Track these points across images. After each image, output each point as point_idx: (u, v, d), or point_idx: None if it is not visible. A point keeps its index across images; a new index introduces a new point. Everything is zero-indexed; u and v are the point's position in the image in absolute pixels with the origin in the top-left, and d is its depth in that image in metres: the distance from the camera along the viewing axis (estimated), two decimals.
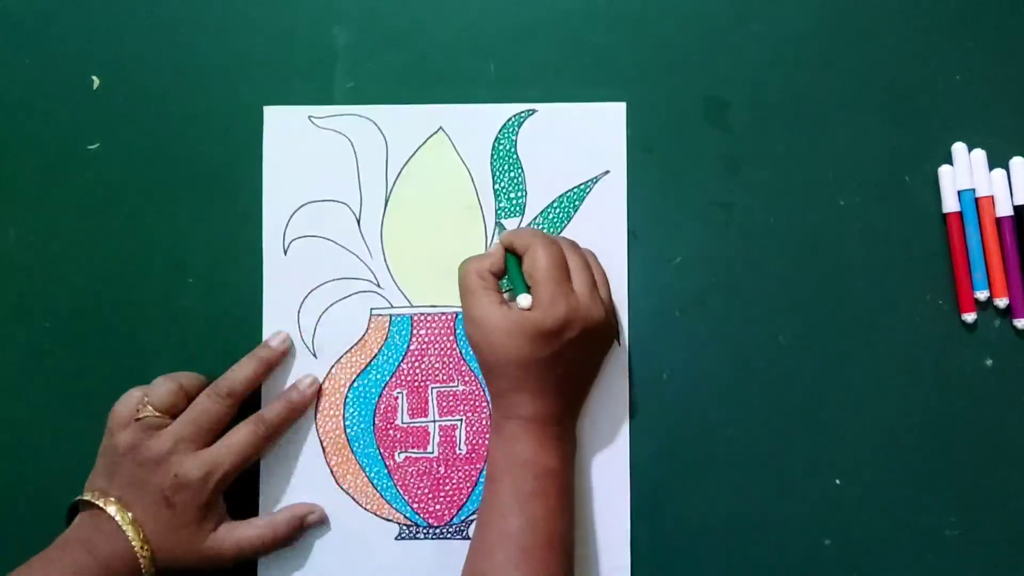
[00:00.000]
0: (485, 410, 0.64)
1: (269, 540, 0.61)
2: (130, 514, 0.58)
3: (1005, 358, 0.64)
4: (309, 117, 0.65)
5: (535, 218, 0.65)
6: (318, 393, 0.64)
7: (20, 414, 0.65)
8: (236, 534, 0.60)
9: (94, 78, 0.66)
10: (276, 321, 0.65)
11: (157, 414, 0.60)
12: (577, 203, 0.65)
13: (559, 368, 0.59)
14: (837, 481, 0.63)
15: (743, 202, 0.65)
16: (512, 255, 0.61)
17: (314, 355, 0.65)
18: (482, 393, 0.64)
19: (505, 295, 0.61)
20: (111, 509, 0.58)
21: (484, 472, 0.62)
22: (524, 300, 0.58)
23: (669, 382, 0.64)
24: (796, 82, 0.65)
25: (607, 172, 0.65)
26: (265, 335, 0.64)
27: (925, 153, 0.64)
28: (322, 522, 0.63)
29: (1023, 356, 0.64)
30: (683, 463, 0.63)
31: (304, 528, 0.63)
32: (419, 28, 0.66)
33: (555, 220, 0.65)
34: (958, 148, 0.64)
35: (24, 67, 0.66)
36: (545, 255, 0.59)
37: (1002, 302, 0.63)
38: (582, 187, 0.65)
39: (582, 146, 0.65)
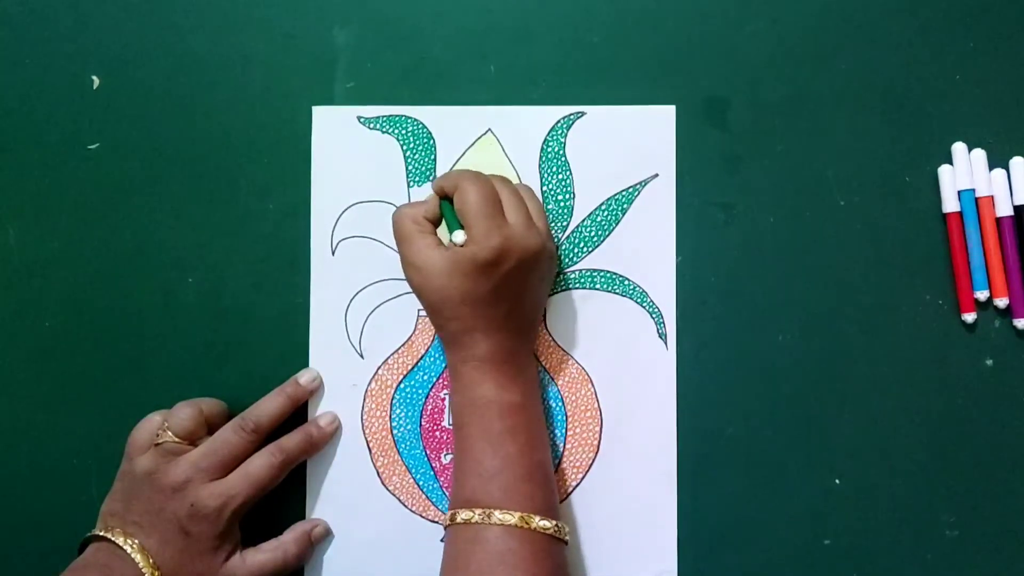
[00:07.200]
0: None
1: (281, 562, 0.60)
2: (136, 541, 0.57)
3: (1005, 358, 0.64)
4: (358, 117, 0.65)
5: (583, 220, 0.65)
6: (338, 423, 0.64)
7: (20, 414, 0.65)
8: (249, 561, 0.60)
9: (94, 78, 0.66)
10: (324, 321, 0.64)
11: (176, 440, 0.60)
12: (625, 206, 0.64)
13: (504, 302, 0.58)
14: (837, 481, 0.63)
15: (743, 202, 0.65)
16: (444, 201, 0.60)
17: (361, 356, 0.64)
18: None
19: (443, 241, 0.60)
20: (119, 540, 0.57)
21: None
22: (458, 236, 0.57)
23: None
24: (796, 82, 0.65)
25: (656, 175, 0.65)
26: (312, 336, 0.64)
27: (925, 153, 0.64)
28: (327, 534, 0.63)
29: (1023, 356, 0.64)
30: (683, 463, 0.63)
31: (312, 544, 0.62)
32: (419, 29, 0.66)
33: (603, 223, 0.65)
34: (958, 148, 0.64)
35: (24, 67, 0.66)
36: (474, 190, 0.57)
37: (1002, 302, 0.63)
38: (631, 190, 0.64)
39: (631, 149, 0.65)
